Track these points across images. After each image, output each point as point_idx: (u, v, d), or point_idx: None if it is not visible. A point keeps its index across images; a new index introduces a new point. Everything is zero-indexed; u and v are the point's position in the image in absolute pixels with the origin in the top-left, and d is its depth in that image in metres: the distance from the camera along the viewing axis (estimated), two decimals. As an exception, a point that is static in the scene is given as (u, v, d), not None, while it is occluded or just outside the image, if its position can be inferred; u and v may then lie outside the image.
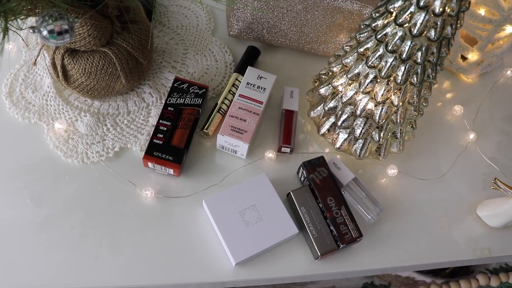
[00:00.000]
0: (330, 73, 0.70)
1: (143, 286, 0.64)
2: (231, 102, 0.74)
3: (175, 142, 0.69)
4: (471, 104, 0.85)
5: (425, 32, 0.54)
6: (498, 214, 0.71)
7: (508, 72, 0.88)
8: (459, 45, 0.82)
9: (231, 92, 0.76)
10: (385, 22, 0.58)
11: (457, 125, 0.82)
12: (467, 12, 0.76)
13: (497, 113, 0.85)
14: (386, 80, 0.61)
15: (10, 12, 0.47)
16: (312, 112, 0.74)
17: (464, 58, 0.85)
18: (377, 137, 0.69)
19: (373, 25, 0.59)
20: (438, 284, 1.01)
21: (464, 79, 0.88)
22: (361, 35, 0.62)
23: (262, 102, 0.72)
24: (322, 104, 0.72)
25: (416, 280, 1.15)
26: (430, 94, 0.66)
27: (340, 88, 0.67)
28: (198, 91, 0.73)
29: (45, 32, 0.49)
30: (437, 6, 0.51)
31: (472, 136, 0.80)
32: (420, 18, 0.53)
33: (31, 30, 0.49)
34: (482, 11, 0.76)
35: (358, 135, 0.68)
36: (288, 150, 0.73)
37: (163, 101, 0.75)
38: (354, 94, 0.65)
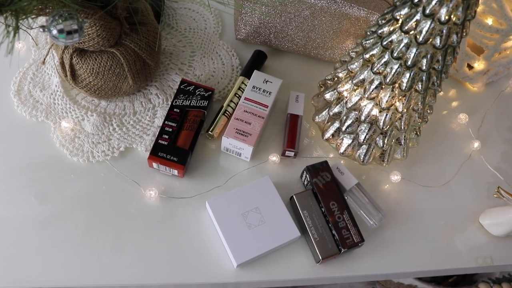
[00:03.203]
0: (336, 79, 0.71)
1: (145, 285, 0.64)
2: (236, 105, 0.74)
3: (180, 143, 0.70)
4: (477, 113, 0.85)
5: (431, 39, 0.55)
6: (501, 223, 0.70)
7: (515, 82, 0.88)
8: (466, 54, 0.82)
9: (237, 95, 0.76)
10: (391, 29, 0.58)
11: (462, 134, 0.82)
12: (475, 21, 0.76)
13: (502, 123, 0.85)
14: (391, 86, 0.61)
15: (21, 11, 0.48)
16: (317, 117, 0.74)
17: (470, 67, 0.85)
18: (381, 143, 0.69)
19: (379, 31, 0.60)
20: (440, 292, 1.00)
21: (470, 88, 0.88)
22: (367, 42, 0.63)
23: (268, 106, 0.73)
24: (327, 109, 0.72)
25: (418, 288, 1.15)
26: (434, 102, 0.66)
27: (345, 93, 0.68)
28: (204, 93, 0.73)
29: (54, 31, 0.50)
30: (442, 14, 0.52)
31: (476, 144, 0.80)
32: (425, 26, 0.53)
33: (41, 29, 0.50)
34: (489, 21, 0.76)
35: (362, 140, 0.69)
36: (292, 154, 0.74)
37: (169, 103, 0.76)
38: (359, 100, 0.65)
